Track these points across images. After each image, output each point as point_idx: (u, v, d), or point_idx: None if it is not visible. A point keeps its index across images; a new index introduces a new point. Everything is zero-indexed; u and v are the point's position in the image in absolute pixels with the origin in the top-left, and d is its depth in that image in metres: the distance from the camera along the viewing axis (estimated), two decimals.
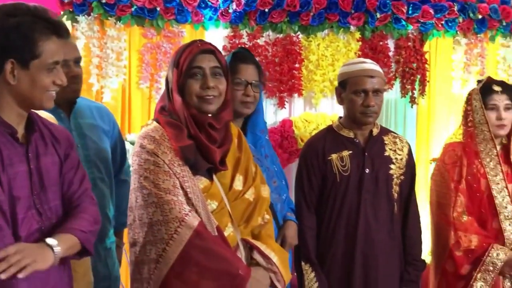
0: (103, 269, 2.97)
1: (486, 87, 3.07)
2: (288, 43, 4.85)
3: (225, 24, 4.77)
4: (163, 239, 2.14)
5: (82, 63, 4.20)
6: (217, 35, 4.78)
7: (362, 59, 3.09)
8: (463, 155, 3.06)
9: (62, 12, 4.42)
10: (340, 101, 3.01)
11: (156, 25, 4.58)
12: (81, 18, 4.41)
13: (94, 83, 4.47)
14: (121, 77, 4.54)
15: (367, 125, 2.98)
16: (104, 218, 3.01)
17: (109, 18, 4.49)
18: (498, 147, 3.08)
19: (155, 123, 2.28)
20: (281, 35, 4.85)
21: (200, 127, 2.27)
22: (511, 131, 3.10)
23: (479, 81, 3.19)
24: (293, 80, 4.87)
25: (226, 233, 2.27)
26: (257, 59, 4.74)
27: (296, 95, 4.94)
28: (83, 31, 4.43)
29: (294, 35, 4.88)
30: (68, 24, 4.46)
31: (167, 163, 2.19)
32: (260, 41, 4.83)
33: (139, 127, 4.57)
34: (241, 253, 2.30)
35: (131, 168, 2.35)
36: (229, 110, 2.36)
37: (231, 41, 4.75)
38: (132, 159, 2.28)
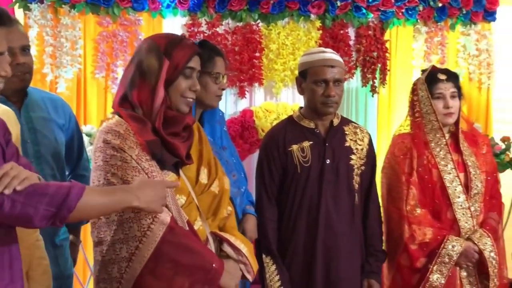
0: (54, 268, 2.87)
1: (431, 76, 3.05)
2: (248, 31, 4.81)
3: (183, 12, 4.70)
4: (136, 236, 2.06)
5: (35, 53, 4.14)
6: (175, 24, 4.71)
7: (322, 49, 3.06)
8: (412, 146, 3.04)
9: (14, 0, 4.29)
10: (301, 91, 2.99)
11: (111, 13, 4.49)
12: (33, 6, 4.31)
13: (48, 73, 4.37)
14: (76, 67, 4.45)
15: (327, 116, 2.96)
16: None
17: (63, 6, 4.38)
18: (447, 136, 3.06)
19: (117, 117, 2.18)
20: (240, 24, 4.80)
21: (175, 126, 2.22)
22: (458, 119, 3.08)
23: (423, 71, 3.18)
24: (253, 69, 4.84)
25: (195, 227, 2.23)
26: None
27: (256, 84, 4.91)
28: (36, 19, 4.32)
29: (254, 23, 4.83)
30: (20, 12, 4.34)
31: (134, 159, 2.11)
32: (220, 30, 4.77)
33: (95, 118, 4.49)
34: (211, 246, 2.28)
35: (93, 164, 2.19)
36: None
37: (189, 30, 4.68)
38: (94, 155, 2.16)
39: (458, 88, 3.07)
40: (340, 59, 2.95)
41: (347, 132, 3.01)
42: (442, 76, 3.04)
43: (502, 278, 3.00)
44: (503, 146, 4.66)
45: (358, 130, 3.05)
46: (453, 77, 3.07)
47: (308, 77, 2.90)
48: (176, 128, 2.21)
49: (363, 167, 2.99)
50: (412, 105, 3.10)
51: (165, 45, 2.18)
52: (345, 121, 3.06)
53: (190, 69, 2.21)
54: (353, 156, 2.97)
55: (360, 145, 3.00)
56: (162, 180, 2.12)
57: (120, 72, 4.48)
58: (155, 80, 2.15)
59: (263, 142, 3.09)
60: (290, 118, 3.08)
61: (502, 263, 3.02)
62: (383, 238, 3.09)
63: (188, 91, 2.22)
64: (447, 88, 3.01)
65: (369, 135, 3.08)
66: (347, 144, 2.98)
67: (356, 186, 2.96)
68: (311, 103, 2.93)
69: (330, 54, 2.92)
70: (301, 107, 3.07)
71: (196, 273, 2.11)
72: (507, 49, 5.27)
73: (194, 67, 2.22)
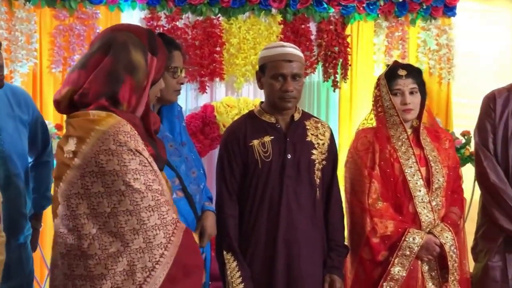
0: (16, 266, 2.82)
1: (391, 72, 3.04)
2: (209, 25, 4.77)
3: (142, 5, 4.64)
4: (161, 243, 1.97)
5: None
6: (133, 17, 4.65)
7: (281, 43, 3.01)
8: (375, 140, 3.03)
9: None
10: (260, 85, 2.96)
11: (68, 6, 4.41)
12: None
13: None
14: (31, 61, 4.37)
15: (286, 110, 2.93)
16: (19, 216, 2.89)
17: None
18: (410, 131, 3.07)
19: (115, 116, 1.97)
20: (201, 18, 4.76)
21: (154, 125, 2.17)
22: (420, 113, 3.09)
23: (388, 66, 3.17)
24: (214, 64, 4.81)
25: None
26: None
27: (217, 79, 4.88)
28: None
29: (214, 17, 4.78)
30: None
31: (149, 161, 2.01)
32: (179, 24, 4.75)
33: (51, 114, 4.39)
34: None
35: (94, 168, 1.91)
36: None
37: (148, 23, 4.63)
38: (105, 158, 1.91)
39: (420, 83, 3.07)
40: (300, 54, 2.91)
41: (308, 127, 2.98)
42: (402, 72, 3.03)
43: (463, 272, 3.02)
44: (463, 141, 4.70)
45: (319, 125, 3.02)
46: (414, 72, 3.07)
47: (267, 72, 2.86)
48: (155, 126, 2.17)
49: (324, 162, 2.96)
50: (376, 100, 3.10)
51: (148, 41, 2.07)
52: (306, 116, 3.03)
53: (176, 68, 2.24)
54: (314, 151, 2.94)
55: (321, 139, 2.98)
56: None
57: None
58: (143, 78, 2.03)
59: (223, 138, 3.04)
60: (250, 113, 3.04)
61: (463, 257, 3.03)
62: (346, 232, 3.09)
63: (158, 92, 2.21)
64: (405, 84, 3.01)
65: (331, 130, 3.06)
66: (308, 139, 2.95)
67: (318, 181, 2.93)
68: (270, 98, 2.91)
69: (289, 49, 2.88)
70: (261, 102, 3.03)
71: (199, 272, 2.08)
72: (467, 44, 5.30)
73: (178, 66, 2.26)
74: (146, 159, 1.96)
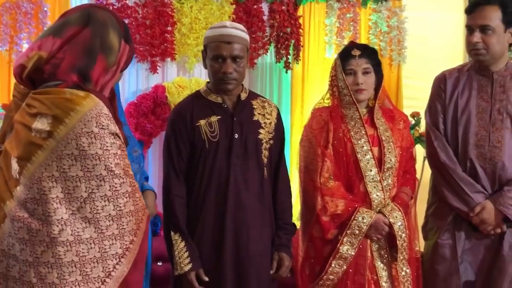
0: None
1: (346, 52, 3.06)
2: (160, 4, 4.70)
3: None
4: (132, 230, 1.91)
5: None
6: None
7: (224, 23, 2.95)
8: (329, 120, 3.03)
9: None
10: (205, 65, 2.93)
11: None
12: None
13: None
14: None
15: (227, 92, 2.90)
16: None
17: None
18: (364, 111, 3.07)
19: (93, 96, 1.87)
20: None
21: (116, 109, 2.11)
22: (377, 93, 3.09)
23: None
24: (165, 44, 4.74)
25: None
26: (126, 21, 4.56)
27: (169, 59, 4.81)
28: None
29: None
30: None
31: (124, 146, 1.94)
32: (130, 2, 4.65)
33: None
34: None
35: (74, 151, 1.81)
36: None
37: (98, 1, 4.50)
38: (87, 141, 1.81)
39: (375, 64, 3.06)
40: (242, 35, 2.85)
41: (255, 106, 2.95)
42: (356, 52, 3.02)
43: (412, 251, 3.03)
44: (413, 122, 4.73)
45: (266, 104, 3.00)
46: (368, 52, 3.06)
47: (208, 52, 2.83)
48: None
49: (271, 141, 2.94)
50: (332, 79, 3.09)
51: (124, 30, 2.01)
52: (253, 96, 3.00)
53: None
54: (261, 130, 2.92)
55: (268, 119, 2.95)
56: None
57: (24, 45, 4.24)
58: (114, 62, 1.95)
59: (170, 118, 2.99)
60: (197, 93, 3.00)
61: (413, 237, 3.05)
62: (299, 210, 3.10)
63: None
64: (358, 64, 3.00)
65: (277, 109, 3.04)
66: (255, 118, 2.92)
67: (265, 160, 2.91)
68: (211, 79, 2.89)
69: (230, 30, 2.83)
70: (208, 82, 2.99)
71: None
72: (417, 27, 5.31)
73: None
74: (123, 143, 1.90)
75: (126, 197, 1.87)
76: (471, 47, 3.08)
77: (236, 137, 2.85)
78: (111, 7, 4.46)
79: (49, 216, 1.78)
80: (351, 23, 5.17)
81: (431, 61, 5.10)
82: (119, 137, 1.87)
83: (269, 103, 3.03)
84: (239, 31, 2.85)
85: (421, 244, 3.22)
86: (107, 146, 1.82)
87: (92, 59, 1.89)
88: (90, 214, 1.80)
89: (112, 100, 2.01)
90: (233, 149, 2.84)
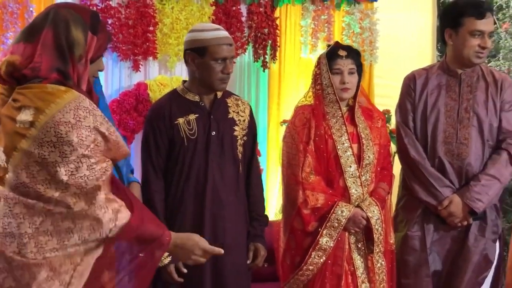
0: None
1: (332, 52, 3.05)
2: (142, 5, 4.66)
3: None
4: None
5: None
6: None
7: (215, 26, 2.98)
8: (311, 117, 3.03)
9: None
10: (193, 66, 2.88)
11: None
12: None
13: None
14: None
15: (219, 90, 2.92)
16: None
17: None
18: (345, 109, 3.07)
19: (75, 91, 1.90)
20: None
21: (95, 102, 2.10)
22: (356, 93, 3.09)
23: (328, 45, 3.17)
24: (147, 43, 4.70)
25: None
26: (110, 21, 4.51)
27: (151, 58, 4.76)
28: None
29: None
30: None
31: (106, 135, 1.97)
32: (113, 3, 4.59)
33: None
34: None
35: (53, 138, 1.85)
36: None
37: (82, 2, 4.44)
38: (65, 129, 1.84)
39: (358, 65, 3.07)
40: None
41: (229, 104, 2.97)
42: (342, 53, 3.02)
43: (387, 244, 3.05)
44: None
45: (239, 102, 3.02)
46: (353, 54, 3.07)
47: (208, 54, 2.81)
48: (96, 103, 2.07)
49: (245, 138, 2.97)
50: (315, 77, 3.08)
51: (91, 21, 2.00)
52: (227, 94, 3.02)
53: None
54: (236, 128, 2.94)
55: (242, 116, 2.98)
56: (205, 246, 2.12)
57: (9, 43, 4.16)
58: (82, 55, 1.95)
59: (148, 116, 2.98)
60: (174, 92, 3.00)
61: (388, 230, 3.07)
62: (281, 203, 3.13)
63: (96, 72, 2.17)
64: (345, 65, 3.00)
65: (250, 107, 3.07)
66: (230, 116, 2.95)
67: (240, 156, 2.94)
68: (207, 79, 2.85)
69: (225, 32, 2.89)
70: (184, 81, 2.99)
71: None
72: (389, 28, 5.32)
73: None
74: (104, 136, 1.91)
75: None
76: (479, 50, 3.06)
77: (213, 134, 2.87)
78: (94, 8, 4.40)
79: (42, 195, 1.82)
80: (326, 24, 5.16)
81: (402, 61, 5.13)
82: (96, 130, 1.88)
83: (242, 101, 3.06)
84: (227, 32, 2.91)
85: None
86: (82, 137, 1.84)
87: (65, 58, 1.92)
88: (78, 190, 1.84)
89: (90, 93, 2.02)
90: (210, 146, 2.86)
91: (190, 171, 2.85)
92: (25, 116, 1.84)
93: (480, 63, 3.14)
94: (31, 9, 4.29)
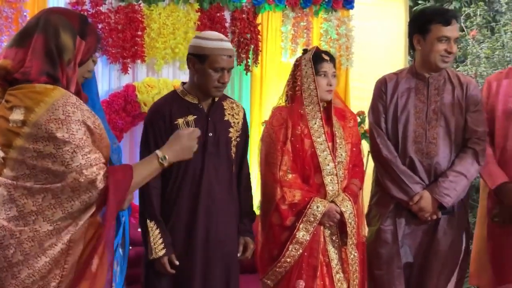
0: None
1: (317, 56, 3.07)
2: (130, 11, 4.68)
3: None
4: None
5: None
6: (59, 2, 4.48)
7: (220, 36, 2.93)
8: (288, 118, 3.04)
9: None
10: (194, 70, 2.90)
11: None
12: None
13: None
14: None
15: (215, 96, 2.94)
16: None
17: None
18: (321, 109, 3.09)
19: (62, 89, 1.94)
20: (123, 3, 4.66)
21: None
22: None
23: (305, 50, 3.17)
24: (136, 47, 4.73)
25: None
26: (100, 25, 4.56)
27: (139, 61, 4.80)
28: None
29: (136, 3, 4.69)
30: None
31: (93, 127, 2.00)
32: (103, 9, 4.61)
33: None
34: None
35: (44, 134, 1.90)
36: None
37: (74, 8, 4.47)
38: (55, 126, 1.89)
39: (335, 69, 3.12)
40: (232, 47, 2.95)
41: (225, 107, 2.99)
42: (326, 57, 3.06)
43: (359, 236, 3.09)
44: (359, 120, 4.80)
45: (234, 105, 3.04)
46: (333, 59, 3.12)
47: (207, 62, 2.82)
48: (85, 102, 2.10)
49: (238, 139, 2.99)
50: (294, 79, 3.10)
51: (79, 25, 2.03)
52: (223, 97, 3.03)
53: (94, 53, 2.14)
54: (231, 129, 2.96)
55: (236, 119, 3.00)
56: (187, 133, 2.18)
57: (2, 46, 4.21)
58: (71, 58, 1.99)
59: (148, 116, 2.99)
60: (174, 93, 3.00)
61: (360, 223, 3.10)
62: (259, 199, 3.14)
63: (86, 72, 2.19)
64: (330, 68, 3.05)
65: (244, 110, 3.08)
66: (226, 118, 2.97)
67: (233, 156, 2.97)
68: (204, 85, 2.88)
69: (228, 44, 2.88)
70: (183, 83, 3.00)
71: None
72: (364, 35, 5.41)
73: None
74: (92, 129, 1.95)
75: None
76: (444, 55, 3.10)
77: (210, 135, 2.89)
78: (85, 13, 4.44)
79: (43, 184, 1.88)
80: (305, 30, 5.24)
81: (376, 66, 5.18)
82: (84, 124, 1.92)
83: (237, 104, 3.07)
84: (231, 45, 2.93)
85: (365, 230, 3.25)
86: (73, 131, 1.89)
87: (55, 63, 1.96)
88: (77, 175, 1.89)
89: (78, 94, 2.05)
90: (207, 146, 2.87)
91: (187, 169, 2.85)
92: (17, 115, 1.88)
93: (445, 67, 3.17)
94: (25, 13, 4.31)
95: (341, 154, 3.05)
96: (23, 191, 1.87)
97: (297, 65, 3.10)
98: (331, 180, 2.99)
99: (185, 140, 2.15)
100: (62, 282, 1.91)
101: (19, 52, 1.96)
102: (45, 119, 1.87)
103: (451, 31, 3.09)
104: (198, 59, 2.85)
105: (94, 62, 2.67)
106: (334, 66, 3.10)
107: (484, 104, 3.31)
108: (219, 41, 2.85)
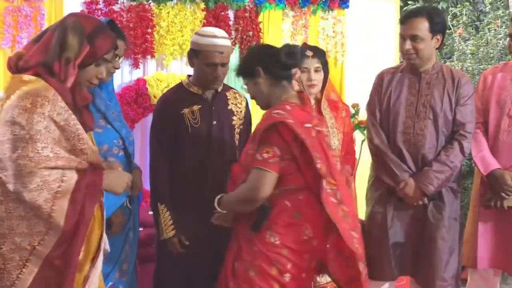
0: None
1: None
2: (141, 10, 4.69)
3: None
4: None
5: None
6: (75, 0, 4.49)
7: (213, 32, 2.90)
8: None
9: None
10: (192, 64, 2.94)
11: None
12: None
13: None
14: None
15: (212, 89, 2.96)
16: None
17: None
18: (313, 102, 3.13)
19: (42, 81, 1.97)
20: (134, 3, 4.67)
21: (85, 100, 2.12)
22: (323, 88, 3.15)
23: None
24: (146, 44, 4.73)
25: None
26: None
27: (149, 57, 4.80)
28: None
29: (146, 3, 4.71)
30: None
31: (61, 125, 2.01)
32: (116, 8, 4.62)
33: (1, 86, 4.22)
34: None
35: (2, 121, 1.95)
36: None
37: (88, 7, 4.49)
38: (17, 111, 1.90)
39: (324, 63, 3.12)
40: (229, 43, 2.90)
41: (229, 97, 3.02)
42: (309, 53, 3.07)
43: None
44: (353, 111, 4.83)
45: (237, 95, 3.07)
46: (319, 53, 3.12)
47: (200, 58, 2.84)
48: (85, 102, 2.11)
49: (241, 126, 3.02)
50: None
51: (90, 31, 2.04)
52: (226, 88, 3.06)
53: (103, 59, 2.10)
54: (234, 118, 2.99)
55: (239, 108, 3.03)
56: (126, 174, 2.22)
57: (24, 43, 4.23)
58: (72, 58, 2.00)
59: (157, 106, 3.02)
60: (180, 85, 3.03)
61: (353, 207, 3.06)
62: None
63: (94, 78, 2.13)
64: (312, 64, 3.05)
65: (246, 99, 3.10)
66: (229, 107, 3.00)
67: (237, 142, 2.99)
68: (200, 78, 2.90)
69: (220, 40, 2.84)
70: (189, 75, 3.03)
71: None
72: (358, 32, 5.43)
73: (107, 58, 2.12)
74: (58, 125, 1.94)
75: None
76: (404, 53, 3.13)
77: (214, 123, 2.92)
78: (99, 12, 4.48)
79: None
80: (303, 28, 5.24)
81: (369, 61, 5.26)
82: (50, 119, 1.91)
83: (240, 94, 3.09)
84: (227, 40, 2.88)
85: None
86: (32, 121, 1.88)
87: (53, 56, 1.99)
88: (16, 171, 1.88)
89: (73, 91, 2.05)
90: (212, 133, 2.90)
91: (193, 156, 2.89)
92: (1, 100, 1.96)
93: (413, 64, 3.15)
94: (43, 12, 4.33)
95: (334, 143, 3.07)
96: (12, 171, 1.89)
97: None
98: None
99: (114, 177, 2.13)
100: None
101: (33, 45, 2.04)
102: (14, 104, 1.89)
103: (404, 29, 3.09)
104: (195, 54, 2.87)
105: (117, 68, 2.70)
106: (321, 61, 3.09)
107: (480, 96, 3.33)
108: (211, 38, 2.83)
